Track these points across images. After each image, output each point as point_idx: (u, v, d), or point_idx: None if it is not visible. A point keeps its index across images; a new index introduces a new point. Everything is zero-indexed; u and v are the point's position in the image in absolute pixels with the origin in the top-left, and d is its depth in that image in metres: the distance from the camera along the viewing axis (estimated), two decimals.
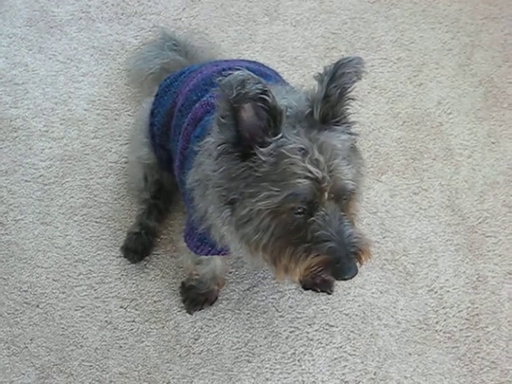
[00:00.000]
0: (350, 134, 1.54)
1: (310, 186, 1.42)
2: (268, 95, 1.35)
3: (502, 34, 2.89)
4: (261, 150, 1.42)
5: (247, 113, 1.38)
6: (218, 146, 1.45)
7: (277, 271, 1.56)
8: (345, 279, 1.50)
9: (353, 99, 1.52)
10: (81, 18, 2.92)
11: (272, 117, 1.39)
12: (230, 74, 1.33)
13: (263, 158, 1.42)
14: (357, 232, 1.52)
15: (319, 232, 1.46)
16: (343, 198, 1.50)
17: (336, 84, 1.45)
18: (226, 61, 2.14)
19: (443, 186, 2.44)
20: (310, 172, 1.41)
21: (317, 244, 1.46)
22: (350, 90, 1.49)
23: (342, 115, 1.52)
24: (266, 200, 1.44)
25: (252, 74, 1.34)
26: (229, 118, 1.41)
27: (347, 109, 1.54)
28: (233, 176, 1.46)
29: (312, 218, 1.46)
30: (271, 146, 1.42)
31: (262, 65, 2.05)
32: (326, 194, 1.45)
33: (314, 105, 1.48)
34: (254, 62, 2.10)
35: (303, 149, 1.42)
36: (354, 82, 1.47)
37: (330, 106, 1.48)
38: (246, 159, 1.44)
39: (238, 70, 1.34)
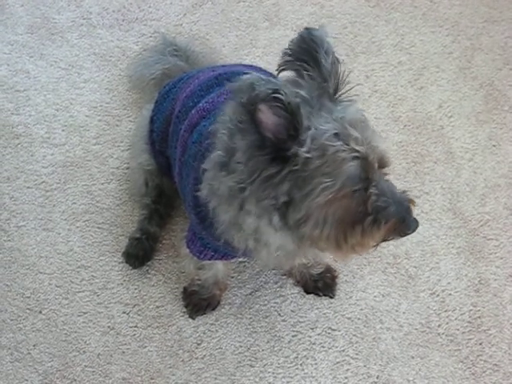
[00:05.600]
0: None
1: (360, 165, 1.43)
2: (280, 93, 1.32)
3: (503, 37, 2.89)
4: (302, 149, 1.40)
5: (265, 114, 1.35)
6: (245, 152, 1.42)
7: (342, 254, 1.58)
8: (410, 233, 1.56)
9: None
10: (82, 24, 2.93)
11: (290, 113, 1.36)
12: (239, 79, 1.33)
13: (308, 155, 1.40)
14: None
15: (379, 201, 1.49)
16: (384, 163, 1.53)
17: (331, 54, 1.49)
18: (224, 66, 2.13)
19: (444, 190, 2.44)
20: (357, 151, 1.42)
21: (381, 212, 1.50)
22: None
23: (347, 85, 1.54)
24: (323, 193, 1.43)
25: (261, 75, 1.34)
26: (247, 123, 1.38)
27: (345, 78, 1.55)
28: (276, 182, 1.43)
29: (369, 191, 1.48)
30: (308, 141, 1.40)
31: (260, 69, 2.04)
32: (376, 166, 1.48)
33: (329, 81, 1.48)
34: (251, 66, 2.09)
35: (339, 133, 1.42)
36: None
37: (337, 78, 1.51)
38: (285, 163, 1.42)
39: (247, 74, 1.34)
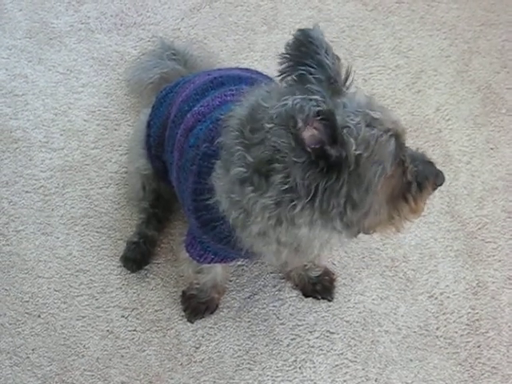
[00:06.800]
0: None
1: (397, 141, 1.47)
2: (321, 106, 1.30)
3: (500, 41, 2.90)
4: (351, 149, 1.38)
5: (308, 130, 1.31)
6: (295, 173, 1.37)
7: (394, 227, 1.63)
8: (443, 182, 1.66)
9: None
10: (80, 29, 2.94)
11: (329, 121, 1.32)
12: (282, 105, 1.30)
13: (358, 152, 1.39)
14: None
15: (416, 168, 1.56)
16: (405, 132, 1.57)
17: (331, 53, 1.49)
18: (219, 69, 2.13)
19: (442, 193, 2.44)
20: (389, 130, 1.45)
21: (419, 176, 1.57)
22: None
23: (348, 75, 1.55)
24: (379, 181, 1.44)
25: (302, 96, 1.31)
26: (293, 145, 1.34)
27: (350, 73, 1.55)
28: (337, 189, 1.41)
29: (407, 162, 1.53)
30: (350, 140, 1.37)
31: (256, 72, 2.04)
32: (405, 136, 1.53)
33: (338, 81, 1.48)
34: (247, 70, 2.09)
35: (368, 121, 1.42)
36: None
37: (344, 76, 1.51)
38: (340, 169, 1.39)
39: (288, 98, 1.31)
